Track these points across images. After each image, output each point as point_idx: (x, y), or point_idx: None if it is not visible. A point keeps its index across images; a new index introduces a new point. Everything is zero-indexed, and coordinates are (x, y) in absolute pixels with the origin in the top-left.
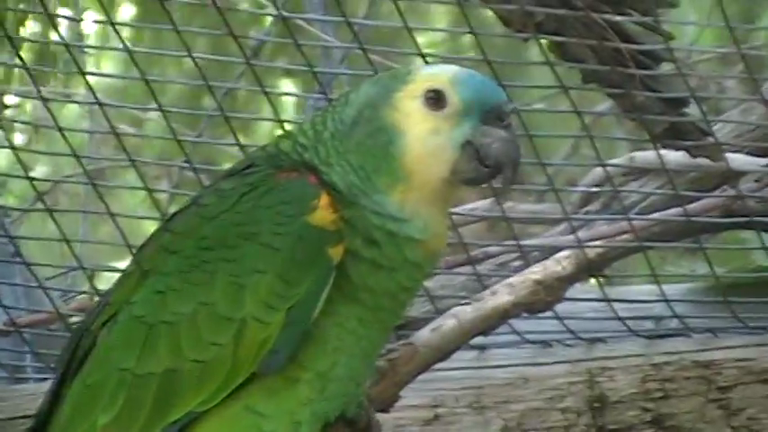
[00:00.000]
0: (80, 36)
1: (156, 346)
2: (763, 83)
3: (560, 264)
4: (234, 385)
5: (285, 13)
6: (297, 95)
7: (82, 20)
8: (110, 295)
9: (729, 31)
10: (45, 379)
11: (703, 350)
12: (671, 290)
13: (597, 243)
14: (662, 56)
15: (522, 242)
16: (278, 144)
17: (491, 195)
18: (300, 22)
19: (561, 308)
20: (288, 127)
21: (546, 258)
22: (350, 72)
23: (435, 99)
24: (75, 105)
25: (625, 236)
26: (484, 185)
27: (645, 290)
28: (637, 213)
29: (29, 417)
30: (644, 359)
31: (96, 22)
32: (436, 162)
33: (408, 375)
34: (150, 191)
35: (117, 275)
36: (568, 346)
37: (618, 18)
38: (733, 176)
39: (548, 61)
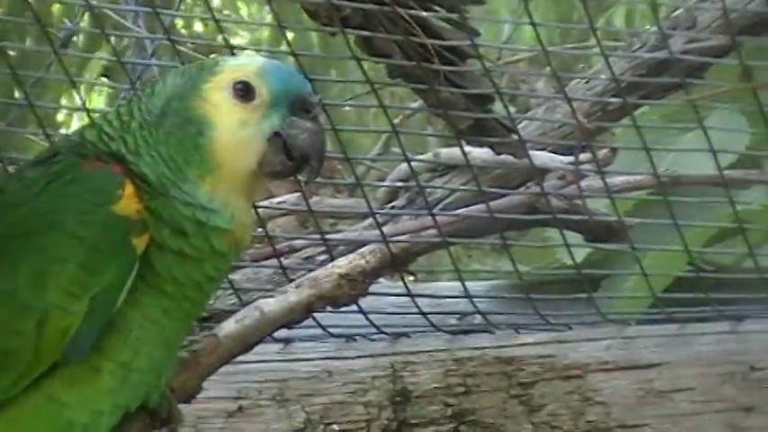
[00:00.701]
0: None
1: None
2: (567, 81)
3: (364, 258)
4: (36, 374)
5: (95, 2)
6: (106, 85)
7: None
8: None
9: (534, 30)
10: None
11: (505, 346)
12: (475, 286)
13: (402, 238)
14: (467, 52)
15: (327, 236)
16: (83, 134)
17: (300, 189)
18: (113, 14)
19: (366, 302)
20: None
21: (351, 253)
22: (160, 63)
23: (244, 90)
24: None
25: (429, 231)
26: (290, 177)
27: (449, 286)
28: (442, 209)
29: None
30: (447, 354)
31: None
32: (245, 153)
33: (211, 367)
34: None
35: None
36: (372, 340)
37: (424, 14)
38: (537, 174)
39: (354, 56)
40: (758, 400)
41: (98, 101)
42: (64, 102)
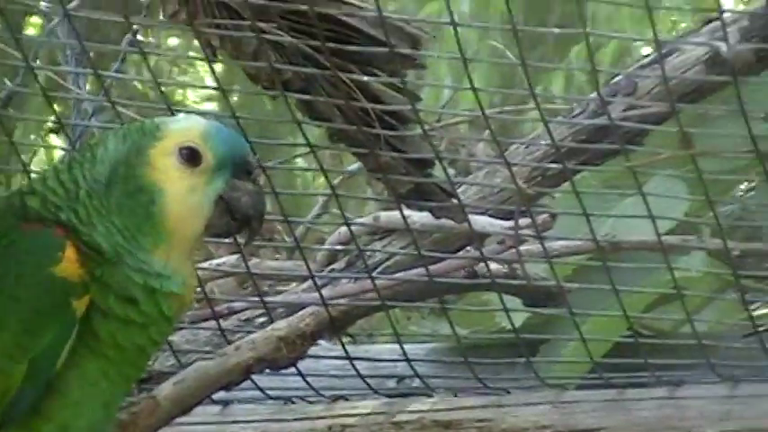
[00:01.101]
0: None
1: None
2: (507, 146)
3: (303, 320)
4: None
5: (34, 65)
6: (45, 146)
7: None
8: None
9: (475, 96)
10: None
11: (443, 410)
12: (414, 349)
13: (341, 301)
14: (408, 117)
15: (266, 298)
16: (23, 199)
17: (239, 251)
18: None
19: (304, 365)
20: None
21: (290, 315)
22: (100, 125)
23: (190, 156)
24: None
25: (368, 294)
26: (229, 238)
27: (388, 349)
28: (381, 272)
29: None
30: (385, 417)
31: None
32: (195, 219)
33: (150, 429)
34: None
35: None
36: (310, 402)
37: (365, 78)
38: (476, 238)
39: (295, 119)
40: None
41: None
42: None
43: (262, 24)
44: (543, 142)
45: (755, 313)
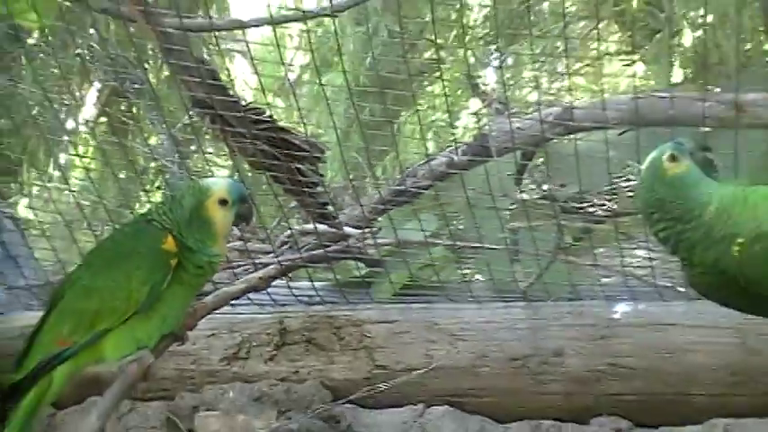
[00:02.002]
0: None
1: (90, 298)
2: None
3: (269, 272)
4: (125, 317)
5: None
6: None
7: None
8: (67, 276)
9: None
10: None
11: (331, 311)
12: (318, 284)
13: (287, 263)
14: (318, 182)
15: (255, 260)
16: (147, 218)
17: (242, 239)
18: None
19: (270, 290)
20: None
21: (263, 268)
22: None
23: (224, 202)
24: None
25: (297, 260)
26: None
27: (306, 284)
28: (306, 251)
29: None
30: (304, 314)
31: None
32: (227, 230)
33: (202, 313)
34: None
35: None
36: (268, 306)
37: (298, 165)
38: (345, 236)
39: (268, 181)
40: None
41: None
42: None
43: (248, 136)
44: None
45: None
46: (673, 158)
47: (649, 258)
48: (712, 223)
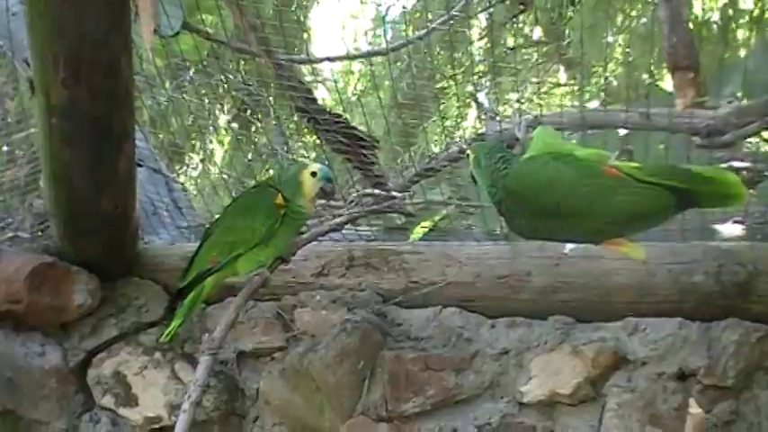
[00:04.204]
0: None
1: (229, 234)
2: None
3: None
4: (251, 246)
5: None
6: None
7: None
8: (214, 220)
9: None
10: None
11: (369, 246)
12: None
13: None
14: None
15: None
16: (268, 181)
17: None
18: None
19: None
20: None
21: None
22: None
23: (314, 173)
24: None
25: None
26: (321, 199)
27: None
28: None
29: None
30: (348, 249)
31: None
32: (312, 194)
33: (301, 245)
34: None
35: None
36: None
37: (364, 151)
38: (391, 198)
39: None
40: None
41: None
42: None
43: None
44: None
45: None
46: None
47: None
48: (496, 161)
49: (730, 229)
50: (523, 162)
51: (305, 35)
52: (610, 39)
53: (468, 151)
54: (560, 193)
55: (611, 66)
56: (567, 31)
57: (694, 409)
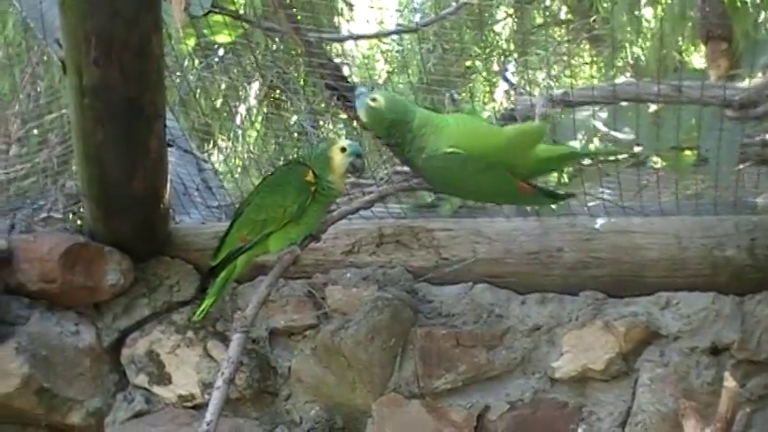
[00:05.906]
0: None
1: (260, 212)
2: None
3: (378, 193)
4: (283, 224)
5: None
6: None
7: None
8: (245, 199)
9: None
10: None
11: (411, 223)
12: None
13: (389, 190)
14: None
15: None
16: (298, 159)
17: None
18: None
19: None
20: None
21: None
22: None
23: (343, 149)
24: None
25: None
26: (351, 175)
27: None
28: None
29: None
30: (378, 227)
31: None
32: (342, 170)
33: (331, 224)
34: None
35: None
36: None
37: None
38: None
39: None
40: None
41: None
42: None
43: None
44: None
45: None
46: (373, 100)
47: (619, 189)
48: (415, 134)
49: (764, 202)
50: (443, 155)
51: (336, 17)
52: (641, 13)
53: (375, 97)
54: (471, 193)
55: (640, 41)
56: (595, 6)
57: (729, 382)
